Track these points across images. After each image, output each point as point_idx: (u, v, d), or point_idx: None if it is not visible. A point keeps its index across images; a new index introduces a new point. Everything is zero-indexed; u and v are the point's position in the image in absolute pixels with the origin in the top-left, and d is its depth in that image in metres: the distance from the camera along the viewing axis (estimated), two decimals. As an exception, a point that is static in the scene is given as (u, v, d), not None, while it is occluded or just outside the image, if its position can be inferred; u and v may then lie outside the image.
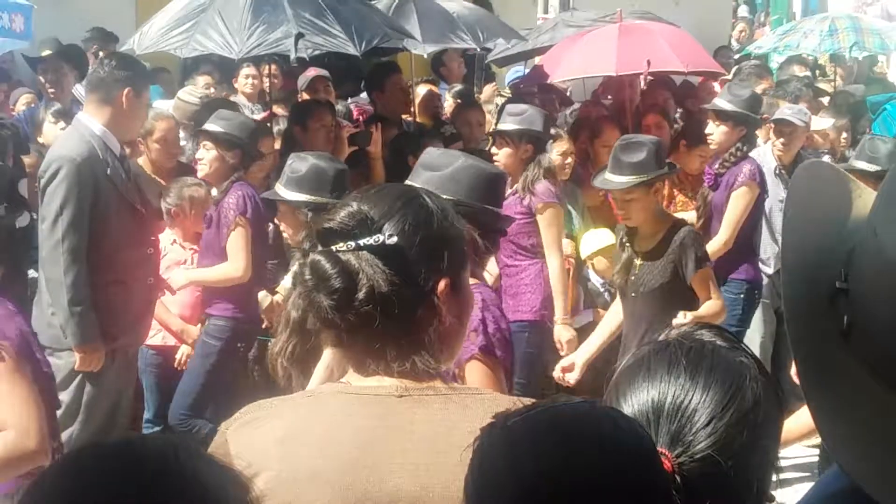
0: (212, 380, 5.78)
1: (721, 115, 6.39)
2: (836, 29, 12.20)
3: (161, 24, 7.46)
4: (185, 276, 5.85)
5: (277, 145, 6.99)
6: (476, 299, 3.09)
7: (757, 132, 7.37)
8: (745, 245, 6.36)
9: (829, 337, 1.27)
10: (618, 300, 5.25)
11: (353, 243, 1.89)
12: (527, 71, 10.07)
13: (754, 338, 6.58)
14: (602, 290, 6.48)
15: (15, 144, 6.19)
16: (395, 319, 1.89)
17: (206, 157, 5.75)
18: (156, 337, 5.96)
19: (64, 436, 4.91)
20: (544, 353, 6.03)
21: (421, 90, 9.05)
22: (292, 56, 7.23)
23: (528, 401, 1.60)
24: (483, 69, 10.89)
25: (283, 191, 4.61)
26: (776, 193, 6.53)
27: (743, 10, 18.54)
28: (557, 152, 6.49)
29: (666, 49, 8.20)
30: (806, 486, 1.70)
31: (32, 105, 7.89)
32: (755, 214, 6.37)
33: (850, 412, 1.24)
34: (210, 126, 5.66)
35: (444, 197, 3.11)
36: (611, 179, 5.05)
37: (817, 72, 11.74)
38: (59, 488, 1.31)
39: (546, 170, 5.98)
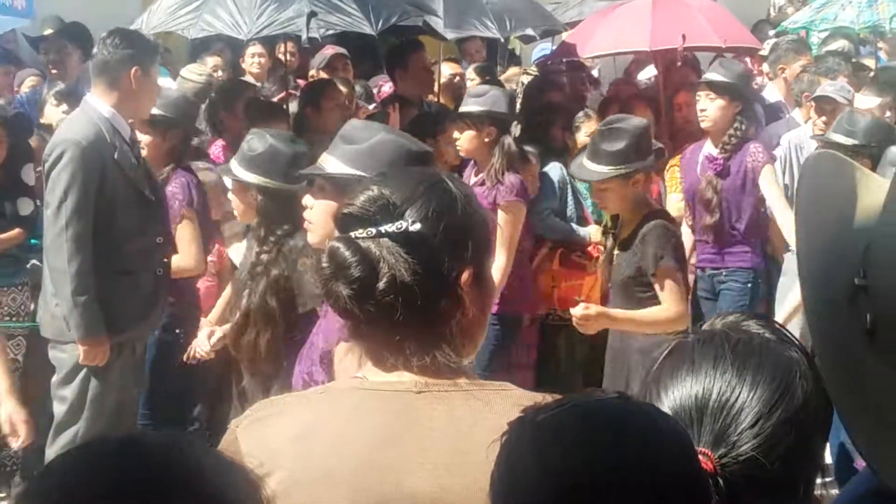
0: (163, 374, 5.77)
1: (716, 88, 6.28)
2: (878, 1, 12.13)
3: (169, 3, 7.52)
4: None
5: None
6: None
7: (798, 110, 7.33)
8: (745, 231, 6.34)
9: (853, 335, 1.28)
10: None
11: (373, 230, 1.88)
12: (553, 48, 10.03)
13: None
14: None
15: (18, 127, 6.23)
16: (417, 311, 1.88)
17: (143, 141, 5.68)
18: None
19: (69, 433, 4.95)
20: (508, 347, 6.05)
21: (445, 70, 9.03)
22: (304, 36, 7.25)
23: (554, 396, 1.59)
24: (507, 49, 10.89)
25: (236, 167, 4.52)
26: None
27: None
28: (585, 133, 6.48)
29: (703, 23, 8.17)
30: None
31: (37, 87, 7.93)
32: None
33: (880, 413, 1.25)
34: None
35: (354, 172, 3.13)
36: (587, 167, 5.00)
37: (861, 47, 11.63)
38: (62, 484, 1.31)
39: (510, 155, 5.94)
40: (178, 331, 5.83)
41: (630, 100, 7.22)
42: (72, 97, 6.50)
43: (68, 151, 4.91)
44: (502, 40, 9.46)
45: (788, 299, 5.76)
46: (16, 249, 6.13)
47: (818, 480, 1.64)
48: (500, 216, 5.82)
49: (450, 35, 8.84)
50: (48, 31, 8.72)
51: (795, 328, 5.05)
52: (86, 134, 4.97)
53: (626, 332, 5.00)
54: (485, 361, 5.68)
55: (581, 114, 6.74)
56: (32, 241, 5.90)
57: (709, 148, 6.42)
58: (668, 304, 4.83)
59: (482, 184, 5.88)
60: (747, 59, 9.12)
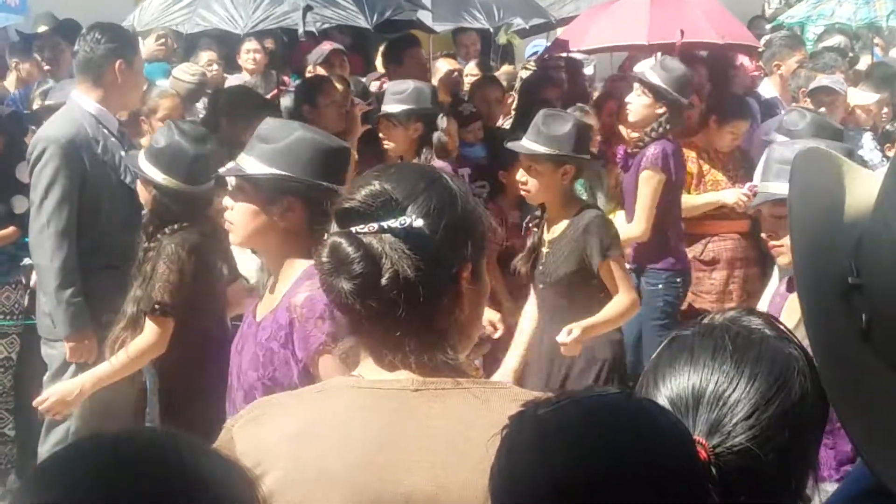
0: None
1: (645, 86, 6.27)
2: (873, -4, 12.17)
3: (161, 0, 7.51)
4: None
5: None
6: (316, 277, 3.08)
7: (794, 105, 7.30)
8: (660, 232, 6.21)
9: (848, 336, 1.28)
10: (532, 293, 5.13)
11: (375, 225, 1.88)
12: (549, 43, 10.02)
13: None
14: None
15: (13, 126, 6.23)
16: (419, 308, 1.88)
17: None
18: None
19: (60, 430, 4.94)
20: None
21: (443, 66, 9.02)
22: (300, 30, 7.24)
23: (551, 394, 1.60)
24: (499, 44, 10.89)
25: (141, 159, 4.38)
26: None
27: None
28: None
29: (701, 19, 8.21)
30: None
31: (29, 84, 7.91)
32: (666, 200, 6.19)
33: (878, 413, 1.25)
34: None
35: (273, 171, 3.11)
36: (522, 143, 4.91)
37: (856, 43, 11.64)
38: (54, 481, 1.31)
39: (440, 147, 5.91)
40: None
41: (627, 93, 7.22)
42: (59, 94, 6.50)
43: (48, 149, 4.91)
44: (491, 30, 9.45)
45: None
46: (10, 247, 6.14)
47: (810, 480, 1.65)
48: None
49: (438, 28, 8.85)
50: (42, 29, 8.72)
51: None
52: (65, 132, 4.97)
53: (551, 332, 4.82)
54: None
55: (577, 111, 6.72)
56: (26, 239, 5.90)
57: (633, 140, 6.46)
58: (622, 293, 4.79)
59: None
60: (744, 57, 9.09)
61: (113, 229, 5.03)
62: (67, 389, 4.47)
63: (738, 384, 1.57)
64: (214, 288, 4.51)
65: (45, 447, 5.02)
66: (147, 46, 9.13)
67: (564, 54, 9.07)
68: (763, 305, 5.44)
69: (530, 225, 5.13)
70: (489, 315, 4.94)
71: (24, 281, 6.10)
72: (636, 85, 6.37)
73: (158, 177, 4.29)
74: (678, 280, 6.32)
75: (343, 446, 1.87)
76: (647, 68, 6.53)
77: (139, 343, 4.26)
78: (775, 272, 6.48)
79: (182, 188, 4.26)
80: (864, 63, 9.69)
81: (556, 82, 8.26)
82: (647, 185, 6.07)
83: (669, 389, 1.60)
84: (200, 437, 1.47)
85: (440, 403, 1.89)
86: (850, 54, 9.84)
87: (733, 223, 6.52)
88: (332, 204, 3.17)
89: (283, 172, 3.11)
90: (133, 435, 1.47)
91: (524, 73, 9.22)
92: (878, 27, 12.10)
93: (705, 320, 1.70)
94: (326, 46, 8.76)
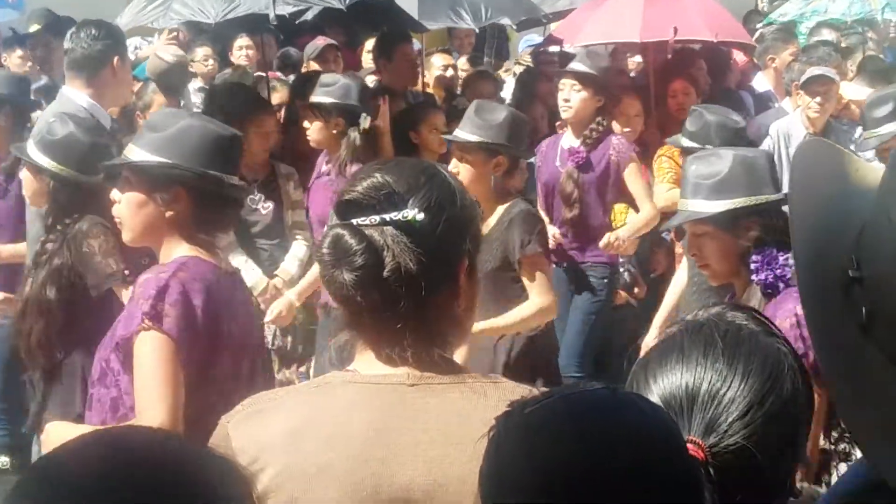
0: None
1: (581, 80, 6.20)
2: (868, -10, 12.15)
3: (137, 3, 7.54)
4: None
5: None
6: (172, 267, 3.03)
7: (788, 100, 7.32)
8: (603, 226, 6.23)
9: (847, 326, 1.27)
10: None
11: (377, 218, 1.88)
12: (541, 38, 10.01)
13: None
14: (622, 270, 6.47)
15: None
16: (419, 301, 1.89)
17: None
18: None
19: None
20: None
21: (437, 61, 9.00)
22: (271, 15, 7.20)
23: (543, 389, 1.60)
24: (495, 38, 10.87)
25: (31, 148, 4.25)
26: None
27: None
28: None
29: (695, 16, 8.14)
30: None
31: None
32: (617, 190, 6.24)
33: (879, 408, 1.25)
34: None
35: (158, 160, 3.07)
36: (455, 133, 4.85)
37: (847, 38, 11.63)
38: (53, 479, 1.31)
39: (359, 148, 5.80)
40: None
41: (620, 90, 7.21)
42: (54, 92, 6.48)
43: None
44: (477, 31, 9.42)
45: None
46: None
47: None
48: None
49: (429, 25, 8.80)
50: (35, 28, 8.69)
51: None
52: None
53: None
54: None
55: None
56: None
57: (569, 140, 6.36)
58: (536, 295, 4.67)
59: (327, 174, 5.79)
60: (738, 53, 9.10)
61: (106, 215, 4.99)
62: None
63: (731, 382, 1.57)
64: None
65: (39, 446, 4.97)
66: (160, 41, 9.13)
67: (558, 49, 9.06)
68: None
69: None
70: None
71: None
72: (569, 81, 6.28)
73: (51, 165, 4.19)
74: (614, 275, 6.35)
75: (341, 441, 1.87)
76: (576, 64, 6.45)
77: None
78: None
79: (76, 177, 4.17)
80: (852, 61, 9.67)
81: (550, 77, 8.27)
82: (638, 174, 6.11)
83: (662, 388, 1.59)
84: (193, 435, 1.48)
85: (437, 398, 1.89)
86: (844, 45, 9.84)
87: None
88: (222, 193, 3.14)
89: (169, 161, 3.07)
90: (130, 433, 1.48)
91: (517, 69, 9.23)
92: (873, 21, 12.09)
93: (689, 317, 1.70)
94: (321, 42, 8.74)
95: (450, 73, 8.77)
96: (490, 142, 4.65)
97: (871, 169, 1.39)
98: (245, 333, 3.24)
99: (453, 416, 1.86)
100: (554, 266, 5.99)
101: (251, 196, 6.08)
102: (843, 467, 3.28)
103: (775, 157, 6.71)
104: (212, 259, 3.12)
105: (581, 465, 1.34)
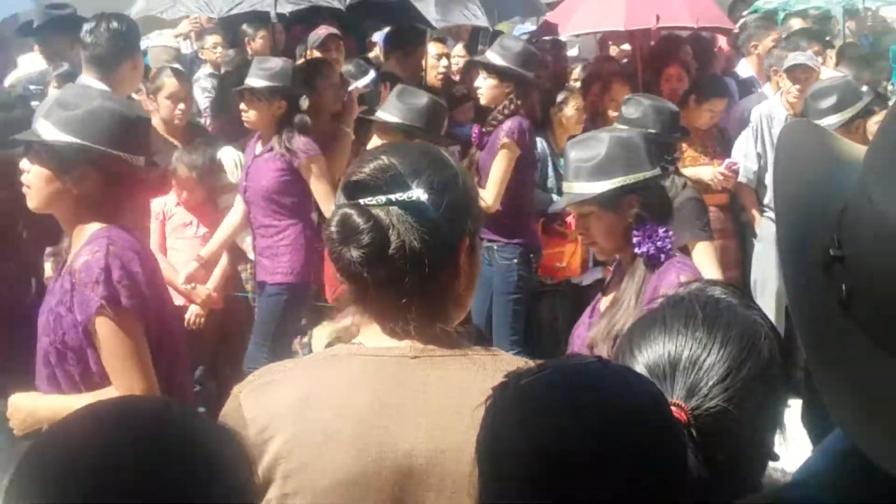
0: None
1: (488, 69, 6.21)
2: (849, -22, 12.11)
3: None
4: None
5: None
6: (101, 245, 3.01)
7: (769, 84, 7.32)
8: (515, 207, 6.16)
9: (828, 305, 1.26)
10: None
11: (383, 198, 1.89)
12: (534, 27, 9.99)
13: (771, 288, 6.56)
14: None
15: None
16: (423, 278, 1.89)
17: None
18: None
19: None
20: (300, 316, 5.90)
21: (431, 49, 8.96)
22: (272, 13, 7.19)
23: (537, 361, 1.60)
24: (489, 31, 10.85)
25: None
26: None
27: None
28: (573, 107, 6.47)
29: (677, 3, 8.14)
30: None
31: (44, 71, 7.83)
32: (521, 174, 6.15)
33: (855, 381, 1.24)
34: None
35: (68, 139, 3.02)
36: (377, 114, 4.82)
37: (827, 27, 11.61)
38: (63, 446, 1.32)
39: (301, 126, 5.78)
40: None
41: (611, 76, 7.21)
42: (72, 79, 6.43)
43: None
44: (491, 29, 9.39)
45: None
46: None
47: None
48: (309, 175, 5.69)
49: (439, 25, 8.76)
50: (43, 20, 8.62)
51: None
52: None
53: None
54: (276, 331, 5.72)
55: (564, 91, 6.71)
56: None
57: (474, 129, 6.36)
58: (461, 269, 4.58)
59: (270, 150, 5.75)
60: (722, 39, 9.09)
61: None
62: None
63: (711, 349, 1.58)
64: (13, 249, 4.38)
65: None
66: (180, 28, 9.06)
67: (548, 38, 9.06)
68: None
69: None
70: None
71: None
72: (482, 70, 6.28)
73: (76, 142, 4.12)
74: (531, 255, 6.26)
75: (347, 410, 1.88)
76: (488, 53, 6.44)
77: None
78: (756, 243, 6.50)
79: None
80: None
81: (543, 63, 8.26)
82: (503, 158, 6.00)
83: (646, 357, 1.61)
84: (196, 407, 1.50)
85: (438, 370, 1.90)
86: (827, 37, 9.83)
87: (713, 196, 6.51)
88: (130, 173, 3.11)
89: (79, 141, 3.04)
90: (136, 403, 1.50)
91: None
92: (855, 10, 12.07)
93: (671, 294, 1.71)
94: (322, 31, 8.67)
95: (443, 61, 8.71)
96: (409, 124, 4.64)
97: (856, 148, 1.37)
98: (165, 292, 3.30)
99: (453, 387, 1.87)
100: None
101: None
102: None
103: (757, 139, 6.74)
104: (125, 227, 3.13)
105: (573, 433, 1.35)
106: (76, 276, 3.00)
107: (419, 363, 1.91)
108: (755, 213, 6.72)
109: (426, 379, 1.90)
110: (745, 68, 8.88)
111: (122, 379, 2.97)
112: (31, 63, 8.07)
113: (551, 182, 6.58)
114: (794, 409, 2.39)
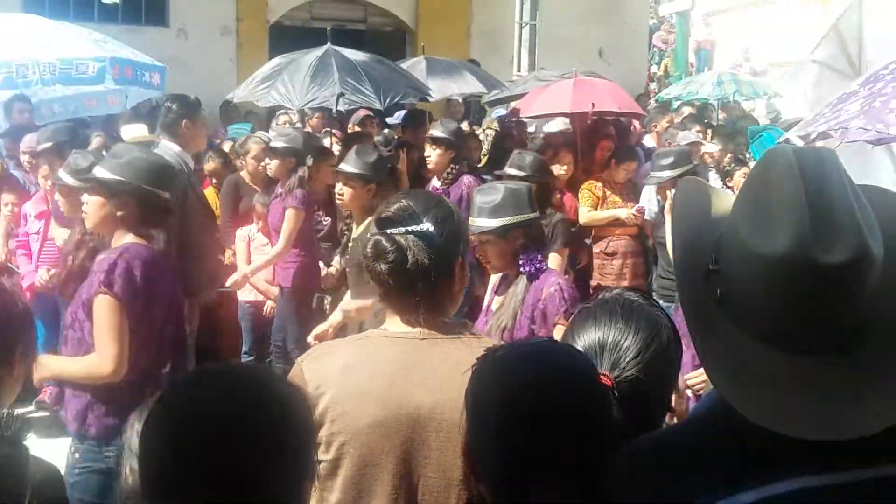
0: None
1: (436, 142, 6.04)
2: (722, 81, 12.26)
3: (250, 82, 7.49)
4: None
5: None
6: (119, 251, 2.95)
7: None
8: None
9: (707, 302, 1.26)
10: None
11: (403, 229, 1.89)
12: (506, 111, 10.04)
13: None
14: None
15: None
16: (430, 284, 1.89)
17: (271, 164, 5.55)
18: (249, 295, 5.96)
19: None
20: (308, 303, 5.59)
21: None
22: (334, 110, 7.16)
23: (504, 343, 1.62)
24: (475, 111, 10.90)
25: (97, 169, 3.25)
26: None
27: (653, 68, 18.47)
28: None
29: (606, 95, 8.19)
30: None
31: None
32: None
33: (726, 355, 1.23)
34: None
35: (114, 177, 3.01)
36: (341, 166, 4.69)
37: (704, 111, 11.69)
38: (187, 396, 1.30)
39: (300, 179, 5.52)
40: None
41: (559, 146, 7.21)
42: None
43: None
44: (461, 101, 9.43)
45: None
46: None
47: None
48: (286, 216, 5.44)
49: (437, 97, 8.81)
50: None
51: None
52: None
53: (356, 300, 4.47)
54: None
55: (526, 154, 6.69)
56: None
57: (434, 182, 6.14)
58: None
59: (279, 195, 5.55)
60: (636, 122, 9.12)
61: (195, 234, 4.78)
62: None
63: (627, 335, 1.57)
64: None
65: None
66: (279, 121, 8.85)
67: (515, 120, 9.09)
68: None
69: (343, 227, 4.81)
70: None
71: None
72: (428, 143, 6.12)
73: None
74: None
75: (374, 375, 1.87)
76: (432, 131, 6.29)
77: None
78: (660, 261, 6.47)
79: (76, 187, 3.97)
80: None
81: (511, 136, 8.29)
82: None
83: (583, 340, 1.60)
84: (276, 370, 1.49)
85: (438, 348, 1.89)
86: (706, 120, 9.92)
87: (626, 229, 6.49)
88: (156, 202, 3.06)
89: (121, 178, 3.03)
90: (238, 367, 1.49)
91: (489, 131, 9.22)
92: (726, 102, 12.20)
93: (599, 297, 1.70)
94: (361, 113, 8.71)
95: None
96: (364, 173, 4.56)
97: (729, 196, 1.37)
98: (171, 301, 3.17)
99: (449, 360, 1.86)
100: None
101: (317, 212, 6.02)
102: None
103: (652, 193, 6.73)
104: (148, 244, 3.07)
105: (531, 387, 1.35)
106: (94, 266, 2.98)
107: (426, 343, 1.90)
108: (655, 241, 6.72)
109: (430, 354, 1.89)
110: (648, 141, 8.93)
111: (102, 345, 2.88)
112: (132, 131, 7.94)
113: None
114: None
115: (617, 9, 14.48)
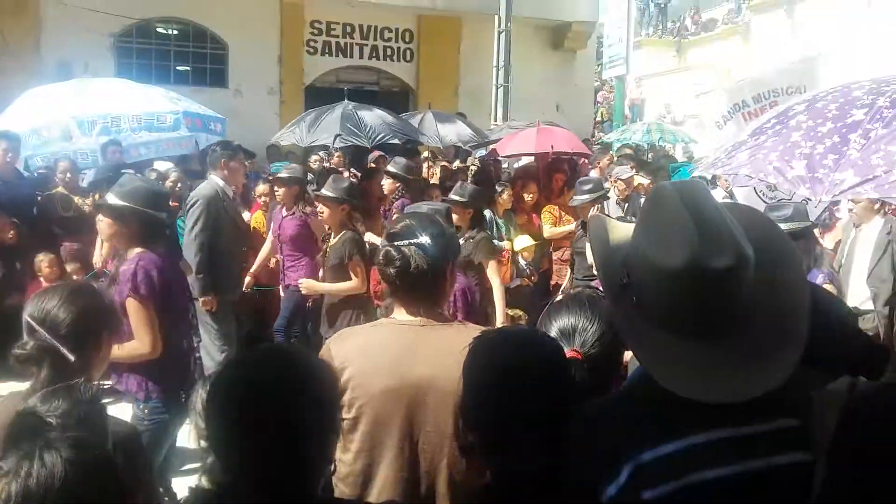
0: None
1: (389, 174, 6.03)
2: (651, 129, 12.31)
3: (287, 128, 7.56)
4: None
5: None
6: (134, 261, 2.94)
7: (607, 182, 7.32)
8: None
9: (627, 305, 1.28)
10: None
11: (406, 241, 1.87)
12: (485, 152, 10.05)
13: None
14: (525, 267, 6.44)
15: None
16: (427, 284, 1.87)
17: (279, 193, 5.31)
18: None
19: (215, 349, 4.68)
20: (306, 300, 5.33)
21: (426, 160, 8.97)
22: (331, 147, 7.28)
23: (493, 328, 1.60)
24: (464, 152, 10.90)
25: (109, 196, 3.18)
26: (617, 215, 6.51)
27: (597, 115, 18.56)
28: (505, 195, 6.41)
29: (561, 140, 8.23)
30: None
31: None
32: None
33: (644, 342, 1.25)
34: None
35: (121, 203, 2.98)
36: (321, 192, 4.57)
37: (638, 153, 11.73)
38: (239, 371, 1.30)
39: (304, 202, 5.46)
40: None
41: (526, 178, 7.20)
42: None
43: (200, 200, 4.69)
44: (442, 147, 9.47)
45: None
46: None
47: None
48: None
49: (447, 140, 8.90)
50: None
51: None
52: (207, 192, 4.73)
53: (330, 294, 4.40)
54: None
55: (499, 186, 6.68)
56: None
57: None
58: (354, 276, 4.25)
59: (293, 214, 5.42)
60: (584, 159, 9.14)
61: (226, 245, 4.78)
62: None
63: (592, 322, 1.57)
64: None
65: (210, 361, 4.54)
66: (311, 159, 8.70)
67: (493, 158, 9.10)
68: None
69: (322, 240, 4.72)
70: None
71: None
72: (387, 177, 6.08)
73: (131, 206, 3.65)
74: None
75: (386, 353, 1.85)
76: (390, 166, 6.27)
77: None
78: (577, 266, 6.44)
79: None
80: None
81: (489, 171, 8.29)
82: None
83: (558, 324, 1.59)
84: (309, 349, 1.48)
85: (436, 333, 1.87)
86: (640, 156, 9.93)
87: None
88: (155, 222, 3.01)
89: (126, 203, 3.01)
90: (280, 347, 1.48)
91: (472, 168, 9.23)
92: (652, 145, 12.24)
93: (571, 293, 1.71)
94: (376, 153, 8.70)
95: (433, 170, 8.73)
96: (339, 196, 4.48)
97: (624, 226, 1.41)
98: (181, 290, 3.17)
99: (445, 342, 1.83)
100: None
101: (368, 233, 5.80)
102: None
103: (602, 211, 6.71)
104: (154, 251, 3.05)
105: (515, 361, 1.36)
106: (120, 276, 2.97)
107: (426, 329, 1.88)
108: (574, 251, 6.64)
109: (429, 337, 1.87)
110: (593, 175, 8.92)
111: (139, 334, 2.90)
112: (162, 165, 7.71)
113: (495, 234, 6.53)
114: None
115: (570, 74, 14.61)
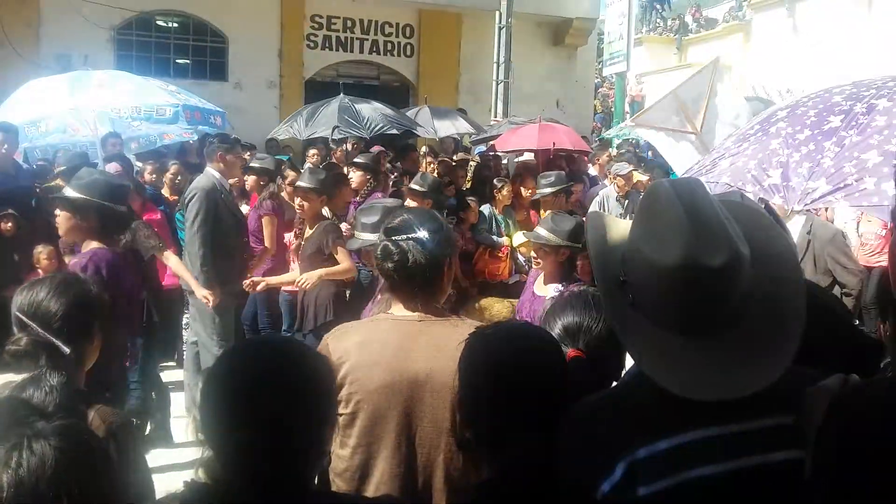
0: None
1: (356, 165, 5.93)
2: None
3: (284, 123, 7.56)
4: None
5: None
6: (87, 255, 2.91)
7: (606, 180, 7.32)
8: None
9: (623, 304, 1.28)
10: None
11: (405, 236, 1.86)
12: (485, 148, 10.03)
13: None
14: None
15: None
16: (425, 279, 1.86)
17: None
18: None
19: (210, 342, 4.62)
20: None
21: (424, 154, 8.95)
22: (329, 139, 7.24)
23: (489, 323, 1.58)
24: (463, 147, 10.89)
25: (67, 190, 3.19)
26: (617, 212, 6.51)
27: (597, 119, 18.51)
28: (505, 191, 6.41)
29: (563, 136, 8.24)
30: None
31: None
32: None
33: (641, 339, 1.25)
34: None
35: (78, 196, 2.93)
36: (299, 183, 4.55)
37: (637, 150, 11.70)
38: (232, 364, 1.29)
39: (271, 193, 5.47)
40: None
41: (525, 173, 7.19)
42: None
43: (198, 193, 4.65)
44: (438, 138, 9.47)
45: None
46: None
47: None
48: (263, 222, 5.36)
49: (441, 134, 8.87)
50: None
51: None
52: (206, 185, 4.69)
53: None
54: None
55: (498, 181, 6.67)
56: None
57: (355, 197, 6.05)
58: (343, 261, 4.28)
59: (258, 207, 5.43)
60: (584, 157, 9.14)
61: (226, 238, 4.73)
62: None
63: (595, 320, 1.58)
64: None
65: (209, 354, 4.52)
66: (309, 153, 8.78)
67: (493, 153, 9.08)
68: None
69: (297, 231, 4.68)
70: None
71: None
72: (351, 166, 6.01)
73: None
74: None
75: (383, 348, 1.85)
76: (357, 158, 6.20)
77: None
78: None
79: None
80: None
81: (489, 167, 8.26)
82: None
83: (563, 322, 1.59)
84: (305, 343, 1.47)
85: (433, 328, 1.87)
86: (637, 152, 9.92)
87: (577, 239, 6.49)
88: (113, 215, 3.00)
89: (84, 196, 2.98)
90: (271, 339, 1.47)
91: (472, 163, 9.21)
92: (648, 145, 12.17)
93: (575, 291, 1.70)
94: (376, 149, 8.67)
95: (431, 166, 8.70)
96: (315, 187, 4.47)
97: (624, 223, 1.41)
98: (132, 285, 3.13)
99: (440, 337, 1.84)
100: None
101: (343, 223, 5.91)
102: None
103: (600, 208, 6.72)
104: (110, 247, 3.01)
105: (511, 357, 1.36)
106: (69, 269, 2.94)
107: (423, 324, 1.88)
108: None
109: (426, 332, 1.86)
110: (592, 171, 8.93)
111: None
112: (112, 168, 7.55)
113: (494, 229, 6.53)
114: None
115: (570, 70, 14.58)
